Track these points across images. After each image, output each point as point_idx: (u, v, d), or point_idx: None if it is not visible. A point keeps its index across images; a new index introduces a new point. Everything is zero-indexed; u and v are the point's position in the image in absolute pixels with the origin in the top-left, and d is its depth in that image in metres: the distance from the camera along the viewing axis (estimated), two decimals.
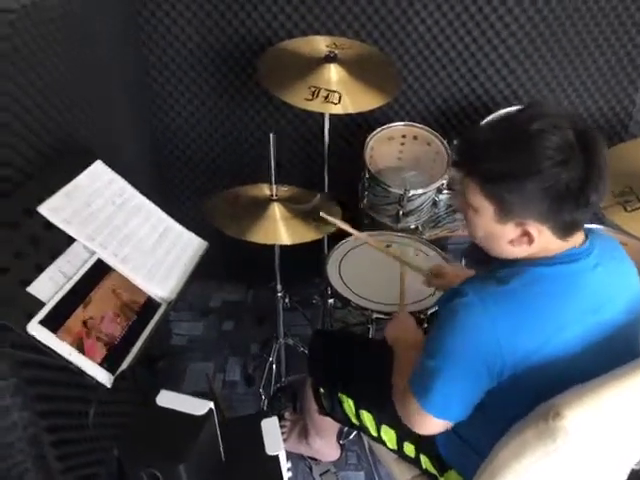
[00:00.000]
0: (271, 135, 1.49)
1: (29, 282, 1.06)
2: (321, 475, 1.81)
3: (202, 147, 2.21)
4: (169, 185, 2.29)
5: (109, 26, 1.63)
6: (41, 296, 1.07)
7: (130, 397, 1.15)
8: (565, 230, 0.98)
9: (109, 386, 1.05)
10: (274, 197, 1.59)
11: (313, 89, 1.62)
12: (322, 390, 1.45)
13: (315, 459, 1.83)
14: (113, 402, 1.10)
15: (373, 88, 1.67)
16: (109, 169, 1.37)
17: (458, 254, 2.07)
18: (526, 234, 0.97)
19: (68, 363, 1.02)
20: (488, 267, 1.17)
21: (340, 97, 1.61)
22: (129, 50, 1.91)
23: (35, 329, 1.01)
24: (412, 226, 1.98)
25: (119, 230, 1.28)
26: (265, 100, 2.08)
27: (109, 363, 1.08)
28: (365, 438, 1.54)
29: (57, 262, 1.13)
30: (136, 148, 1.98)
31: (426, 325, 1.53)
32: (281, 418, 1.92)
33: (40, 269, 1.10)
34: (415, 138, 1.99)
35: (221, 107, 2.13)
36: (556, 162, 0.90)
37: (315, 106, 1.61)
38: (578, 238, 1.01)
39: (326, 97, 1.61)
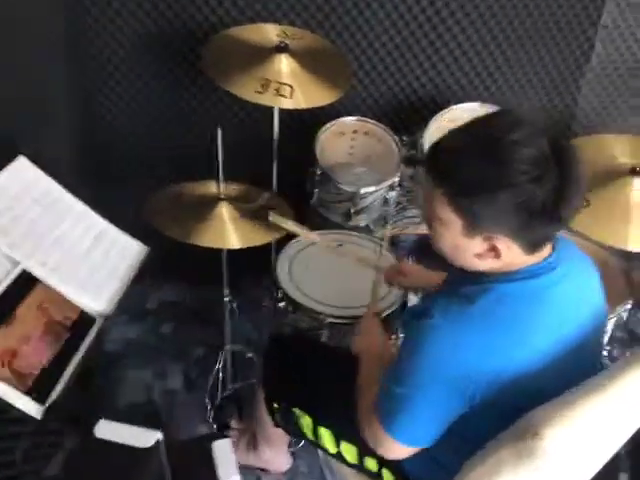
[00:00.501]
0: (218, 129, 1.37)
1: None
2: None
3: (141, 139, 2.05)
4: (103, 180, 2.11)
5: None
6: None
7: (63, 425, 1.01)
8: (534, 246, 0.94)
9: (39, 417, 0.91)
10: (221, 196, 1.47)
11: (263, 81, 1.51)
12: (276, 405, 1.36)
13: (264, 469, 1.75)
14: (44, 433, 0.97)
15: (325, 82, 1.59)
16: (34, 166, 1.22)
17: (405, 251, 2.03)
18: (493, 249, 0.92)
19: None
20: (447, 277, 1.12)
21: (292, 90, 1.51)
22: (61, 29, 1.72)
23: None
24: (362, 224, 1.92)
25: (46, 236, 1.14)
26: (209, 91, 1.95)
27: (38, 391, 0.95)
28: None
29: None
30: (66, 139, 1.81)
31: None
32: (227, 427, 1.82)
33: None
34: (366, 134, 1.93)
35: (162, 97, 1.98)
36: (531, 178, 0.85)
37: (266, 99, 1.51)
38: (545, 251, 0.98)
39: (277, 90, 1.51)
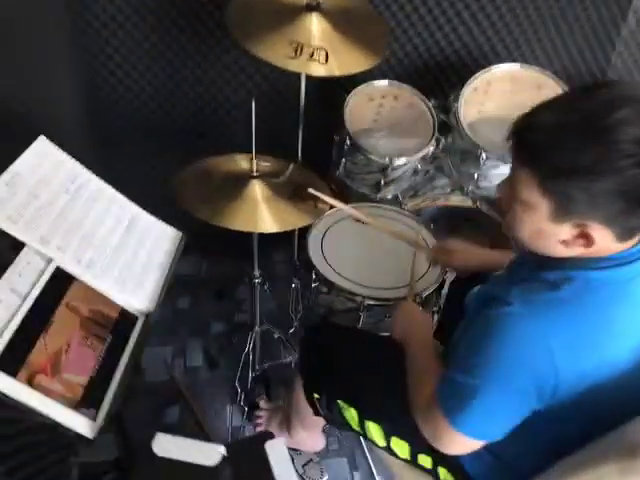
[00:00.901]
0: (252, 100, 1.25)
1: None
2: (304, 466, 1.69)
3: (148, 105, 1.90)
4: (108, 147, 1.98)
5: None
6: None
7: (116, 438, 0.94)
8: (629, 234, 0.86)
9: (92, 437, 0.83)
10: (254, 174, 1.36)
11: (295, 44, 1.37)
12: (317, 395, 1.30)
13: (296, 449, 1.71)
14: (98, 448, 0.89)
15: (360, 45, 1.45)
16: (55, 147, 1.09)
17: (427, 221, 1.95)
18: (584, 236, 0.84)
19: (37, 415, 0.80)
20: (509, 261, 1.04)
21: (327, 55, 1.38)
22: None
23: None
24: (391, 195, 1.83)
25: (78, 227, 1.03)
26: (221, 52, 1.80)
27: (88, 405, 0.86)
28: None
29: (6, 277, 0.88)
30: (73, 111, 1.66)
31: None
32: (256, 407, 1.77)
33: None
34: (395, 99, 1.80)
35: (170, 60, 1.82)
36: (637, 161, 0.76)
37: (298, 66, 1.38)
38: (636, 239, 0.90)
39: (311, 55, 1.37)
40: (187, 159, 2.03)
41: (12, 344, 0.81)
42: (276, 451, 1.06)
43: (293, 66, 1.38)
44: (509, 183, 0.90)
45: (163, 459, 0.83)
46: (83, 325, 0.93)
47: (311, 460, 1.73)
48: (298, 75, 1.58)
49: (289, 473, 1.03)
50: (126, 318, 1.01)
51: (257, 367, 1.73)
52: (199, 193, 1.35)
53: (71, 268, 0.97)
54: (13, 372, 0.80)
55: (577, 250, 0.87)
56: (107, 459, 1.01)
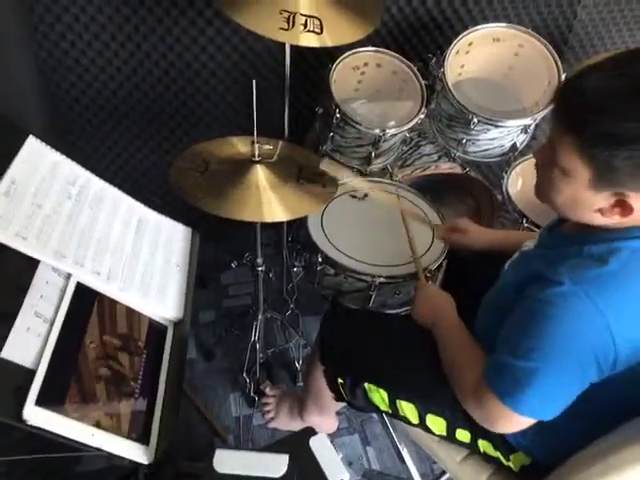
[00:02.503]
0: (253, 82, 1.16)
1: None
2: None
3: (112, 81, 1.75)
4: (84, 141, 1.83)
5: None
6: (23, 360, 0.74)
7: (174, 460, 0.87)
8: None
9: (148, 462, 0.77)
10: (256, 158, 1.28)
11: (286, 14, 1.28)
12: (341, 380, 1.27)
13: None
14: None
15: (354, 14, 1.37)
16: (47, 147, 0.98)
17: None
18: (621, 205, 0.84)
19: (90, 449, 0.73)
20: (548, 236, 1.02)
21: (321, 25, 1.30)
22: None
23: (34, 414, 0.69)
24: (380, 167, 1.79)
25: (88, 235, 0.94)
26: (204, 24, 1.67)
27: (138, 430, 0.79)
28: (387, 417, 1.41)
29: (27, 302, 0.79)
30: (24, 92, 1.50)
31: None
32: (261, 394, 1.74)
33: (7, 318, 0.75)
34: (379, 66, 1.74)
35: (147, 35, 1.67)
36: None
37: (291, 37, 1.29)
38: None
39: (304, 25, 1.29)
40: (168, 142, 1.93)
41: (49, 377, 0.73)
42: (321, 447, 1.03)
43: (285, 38, 1.29)
44: (547, 148, 0.88)
45: (226, 476, 0.78)
46: (116, 345, 0.86)
47: None
48: (282, 46, 1.49)
49: (338, 467, 1.00)
50: (155, 330, 0.93)
51: (261, 355, 1.68)
52: (197, 182, 1.26)
53: (92, 282, 0.88)
54: (56, 407, 0.72)
55: (613, 219, 0.86)
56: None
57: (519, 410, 0.92)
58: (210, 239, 1.99)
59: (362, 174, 1.72)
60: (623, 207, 0.84)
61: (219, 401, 1.76)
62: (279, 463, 0.80)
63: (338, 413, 1.73)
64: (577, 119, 0.80)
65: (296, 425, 1.64)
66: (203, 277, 2.13)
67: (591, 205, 0.86)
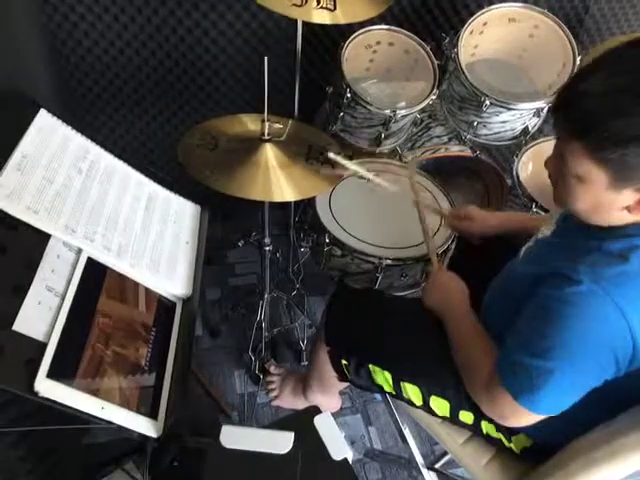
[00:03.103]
0: (265, 58, 1.14)
1: (11, 317, 0.73)
2: None
3: (131, 60, 1.74)
4: (92, 116, 1.82)
5: None
6: (35, 333, 0.74)
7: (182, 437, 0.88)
8: None
9: (157, 436, 0.78)
10: (265, 137, 1.27)
11: None
12: (345, 361, 1.27)
13: None
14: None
15: None
16: (59, 120, 0.98)
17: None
18: None
19: (100, 422, 0.74)
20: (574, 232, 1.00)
21: (335, 1, 1.28)
22: None
23: (45, 387, 0.70)
24: (390, 148, 1.78)
25: (99, 211, 0.94)
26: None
27: (147, 404, 0.80)
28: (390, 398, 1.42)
29: (39, 275, 0.79)
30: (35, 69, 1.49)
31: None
32: (265, 373, 1.75)
33: (19, 291, 0.76)
34: (391, 45, 1.72)
35: (157, 9, 1.65)
36: None
37: (302, 14, 1.27)
38: None
39: (318, 2, 1.27)
40: (177, 118, 1.91)
41: (61, 350, 0.74)
42: (325, 425, 1.04)
43: (297, 14, 1.28)
44: (556, 158, 0.86)
45: (233, 451, 0.79)
46: (125, 320, 0.86)
47: None
48: (294, 23, 1.46)
49: (342, 446, 1.01)
50: (164, 307, 0.94)
51: (267, 333, 1.69)
52: (206, 159, 1.25)
53: (103, 257, 0.88)
54: (67, 380, 0.72)
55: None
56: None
57: (533, 409, 0.92)
58: (218, 217, 2.00)
59: (371, 155, 1.71)
60: None
61: (224, 378, 1.78)
62: (285, 440, 0.81)
63: (341, 393, 1.75)
64: (586, 124, 0.78)
65: (299, 404, 1.66)
66: (210, 255, 2.13)
67: (616, 205, 0.84)
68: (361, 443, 1.69)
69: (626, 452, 0.88)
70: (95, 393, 0.74)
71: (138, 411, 0.78)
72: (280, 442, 0.80)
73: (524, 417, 0.94)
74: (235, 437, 0.81)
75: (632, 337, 0.83)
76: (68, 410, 0.71)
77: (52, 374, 0.71)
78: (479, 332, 1.08)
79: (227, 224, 2.10)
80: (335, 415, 1.70)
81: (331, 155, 1.25)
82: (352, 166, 1.26)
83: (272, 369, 1.75)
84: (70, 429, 0.71)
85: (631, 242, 0.86)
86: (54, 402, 0.69)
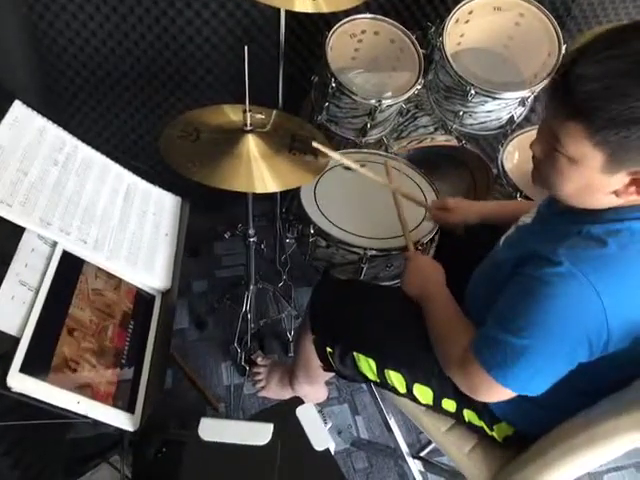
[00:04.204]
0: (245, 48, 1.13)
1: None
2: None
3: (114, 50, 1.72)
4: (70, 110, 1.79)
5: None
6: (7, 328, 0.73)
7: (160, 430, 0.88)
8: None
9: (134, 430, 0.78)
10: (248, 127, 1.26)
11: None
12: (330, 350, 1.27)
13: None
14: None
15: None
16: (34, 112, 0.96)
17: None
18: (637, 184, 0.82)
19: (76, 417, 0.73)
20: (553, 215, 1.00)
21: None
22: None
23: (18, 381, 0.69)
24: (376, 139, 1.77)
25: (75, 203, 0.93)
26: None
27: (124, 398, 0.80)
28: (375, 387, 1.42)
29: (12, 270, 0.78)
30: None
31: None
32: (252, 364, 1.75)
33: None
34: (376, 34, 1.70)
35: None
36: None
37: (285, 2, 1.26)
38: None
39: None
40: (161, 109, 1.89)
41: (34, 345, 0.73)
42: (308, 416, 1.04)
43: (279, 2, 1.26)
44: (549, 140, 0.85)
45: (211, 443, 0.79)
46: (102, 314, 0.85)
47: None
48: (277, 11, 1.45)
49: (324, 437, 1.01)
50: (143, 299, 0.93)
51: (253, 325, 1.68)
52: (188, 151, 1.24)
53: (78, 250, 0.87)
54: (41, 375, 0.72)
55: (629, 199, 0.85)
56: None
57: (504, 383, 0.93)
58: (204, 209, 1.99)
59: (356, 146, 1.70)
60: (638, 185, 0.82)
61: (210, 370, 1.78)
62: (264, 432, 0.81)
63: (328, 383, 1.75)
64: (585, 106, 0.78)
65: (286, 394, 1.66)
66: (196, 247, 2.13)
67: (606, 188, 0.84)
68: (348, 432, 1.70)
69: (605, 439, 0.88)
70: (70, 387, 0.74)
71: (115, 405, 0.77)
72: (259, 434, 0.80)
73: (496, 391, 0.94)
74: (214, 430, 0.81)
75: (607, 320, 0.83)
76: (43, 405, 0.70)
77: (25, 369, 0.70)
78: (456, 311, 1.09)
79: (213, 216, 2.09)
80: (322, 405, 1.71)
81: (315, 144, 1.24)
82: (336, 155, 1.25)
83: (259, 360, 1.75)
84: (51, 424, 0.70)
85: (609, 227, 0.86)
86: (28, 397, 0.69)
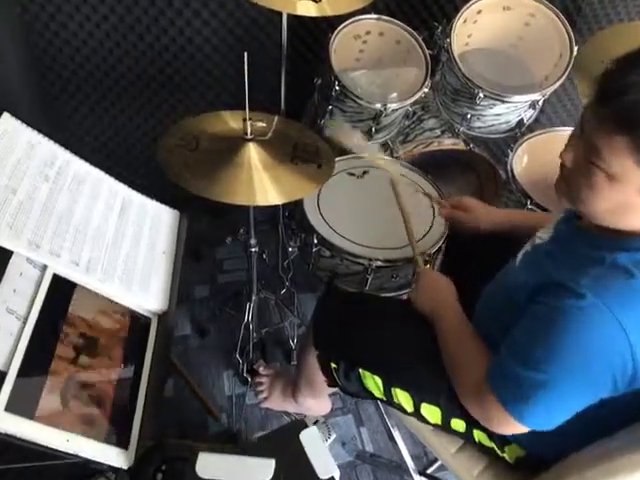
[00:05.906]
0: (245, 53, 1.08)
1: None
2: None
3: (111, 52, 1.67)
4: (67, 116, 1.75)
5: None
6: None
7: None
8: None
9: (127, 467, 0.74)
10: (248, 136, 1.21)
11: None
12: (334, 365, 1.23)
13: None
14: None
15: None
16: (23, 125, 0.92)
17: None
18: None
19: (65, 456, 0.69)
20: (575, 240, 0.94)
21: None
22: None
23: (3, 421, 0.65)
24: (381, 142, 1.72)
25: (66, 222, 0.88)
26: None
27: (118, 433, 0.76)
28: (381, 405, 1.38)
29: None
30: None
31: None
32: (255, 374, 1.71)
33: None
34: (381, 35, 1.65)
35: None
36: None
37: (285, 5, 1.21)
38: None
39: None
40: (160, 112, 1.85)
41: (21, 379, 0.69)
42: (312, 441, 1.00)
43: (281, 6, 1.21)
44: (587, 153, 0.79)
45: None
46: (95, 342, 0.81)
47: (317, 421, 1.69)
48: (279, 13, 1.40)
49: (328, 462, 0.98)
50: (138, 323, 0.88)
51: (255, 334, 1.64)
52: (186, 161, 1.19)
53: (70, 273, 0.82)
54: (28, 412, 0.68)
55: None
56: None
57: (520, 420, 0.88)
58: (205, 213, 1.95)
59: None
60: None
61: (212, 379, 1.74)
62: (265, 468, 0.76)
63: (332, 393, 1.71)
64: (628, 117, 0.73)
65: (289, 405, 1.63)
66: (198, 251, 2.09)
67: None
68: (352, 444, 1.66)
69: (624, 471, 0.84)
70: (59, 425, 0.69)
71: (107, 441, 0.73)
72: (260, 471, 0.76)
73: (510, 425, 0.90)
74: (212, 466, 0.77)
75: (633, 357, 0.78)
76: (29, 445, 0.66)
77: (11, 407, 0.66)
78: (471, 333, 1.04)
79: (215, 220, 2.05)
80: (326, 416, 1.67)
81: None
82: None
83: (261, 370, 1.71)
84: (33, 466, 0.66)
85: (638, 256, 0.81)
86: (13, 437, 0.65)
